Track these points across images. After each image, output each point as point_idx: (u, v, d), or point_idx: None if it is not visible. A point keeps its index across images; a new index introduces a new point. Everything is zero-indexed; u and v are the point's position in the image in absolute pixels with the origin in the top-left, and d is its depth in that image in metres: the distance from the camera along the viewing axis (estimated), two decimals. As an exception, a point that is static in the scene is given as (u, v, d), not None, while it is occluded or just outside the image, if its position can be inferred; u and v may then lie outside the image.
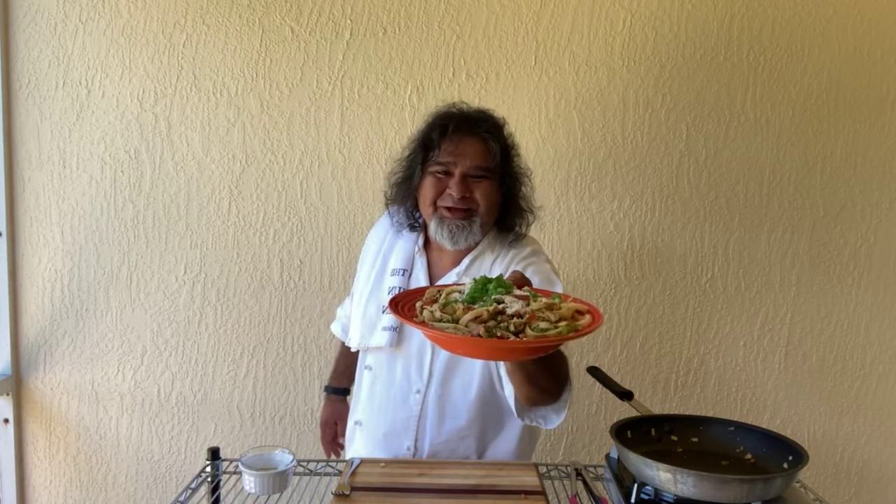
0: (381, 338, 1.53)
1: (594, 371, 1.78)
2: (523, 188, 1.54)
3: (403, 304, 1.07)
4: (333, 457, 1.86)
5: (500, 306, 0.97)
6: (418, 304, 1.05)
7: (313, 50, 2.17)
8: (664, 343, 2.28)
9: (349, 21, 2.16)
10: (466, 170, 1.43)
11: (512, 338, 0.91)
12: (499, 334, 0.92)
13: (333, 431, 1.87)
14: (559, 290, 1.43)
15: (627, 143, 2.20)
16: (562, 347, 1.29)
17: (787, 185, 2.23)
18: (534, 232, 2.20)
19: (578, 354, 2.27)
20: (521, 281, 1.12)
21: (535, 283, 1.31)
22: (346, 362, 1.83)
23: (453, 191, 1.41)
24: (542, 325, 0.94)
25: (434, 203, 1.46)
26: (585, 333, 0.95)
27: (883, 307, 2.28)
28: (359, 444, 1.63)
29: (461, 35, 2.16)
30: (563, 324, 0.95)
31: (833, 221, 2.24)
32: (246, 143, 2.21)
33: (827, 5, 2.15)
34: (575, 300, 1.06)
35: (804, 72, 2.18)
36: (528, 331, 0.92)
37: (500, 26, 2.16)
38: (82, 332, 2.29)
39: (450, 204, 1.44)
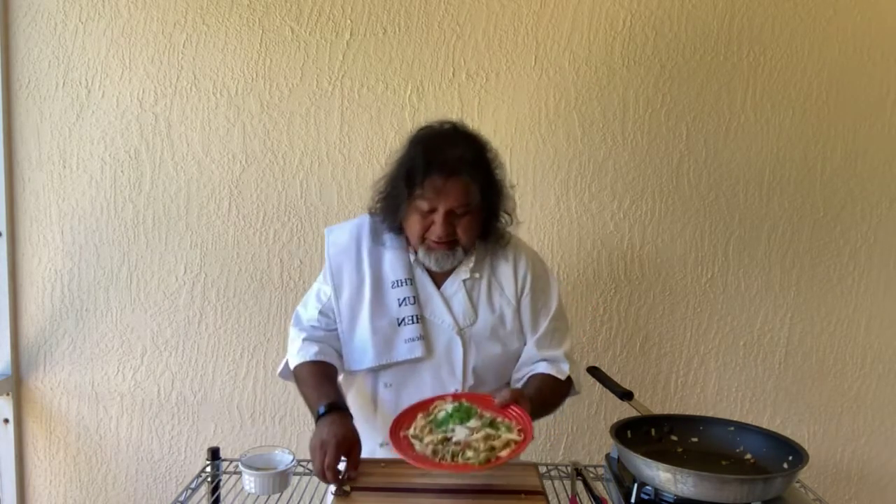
0: (408, 350, 1.54)
1: (594, 371, 1.79)
2: (504, 204, 1.59)
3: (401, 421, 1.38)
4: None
5: (450, 435, 1.29)
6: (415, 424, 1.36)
7: (313, 50, 2.17)
8: (664, 343, 2.28)
9: (349, 21, 2.16)
10: (449, 209, 1.48)
11: (448, 461, 1.24)
12: (440, 456, 1.25)
13: (346, 451, 1.39)
14: (554, 300, 1.64)
15: (627, 143, 2.20)
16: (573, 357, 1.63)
17: (787, 185, 2.23)
18: (534, 232, 2.22)
19: (579, 354, 2.26)
20: (513, 401, 1.39)
21: (535, 304, 1.61)
22: (334, 379, 1.59)
23: (438, 229, 1.48)
24: (469, 454, 1.25)
25: (421, 236, 1.52)
26: (498, 464, 1.25)
27: (883, 307, 2.28)
28: None
29: (461, 35, 2.16)
30: (483, 454, 1.26)
31: (833, 221, 2.24)
32: (246, 143, 2.21)
33: (827, 5, 2.15)
34: (523, 426, 1.34)
35: (804, 72, 2.18)
36: (460, 457, 1.24)
37: (500, 26, 2.16)
38: (82, 332, 2.29)
39: (435, 239, 1.51)
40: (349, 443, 1.37)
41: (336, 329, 1.62)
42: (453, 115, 2.17)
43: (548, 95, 2.18)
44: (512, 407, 1.39)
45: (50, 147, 2.23)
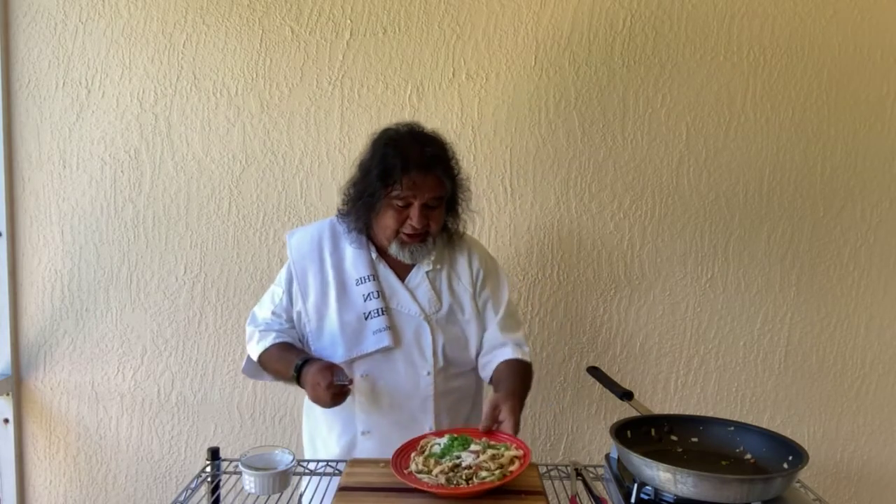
0: (376, 341, 1.64)
1: (594, 371, 1.79)
2: (464, 200, 1.71)
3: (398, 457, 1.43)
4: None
5: (458, 461, 1.36)
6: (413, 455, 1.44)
7: (313, 50, 2.17)
8: (664, 343, 2.28)
9: (349, 21, 2.16)
10: (424, 202, 1.59)
11: (463, 484, 1.31)
12: (454, 482, 1.31)
13: (331, 370, 1.56)
14: (505, 291, 1.77)
15: (627, 143, 2.20)
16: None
17: (787, 185, 2.23)
18: (534, 232, 2.22)
19: (579, 354, 2.27)
20: (499, 403, 1.50)
21: (488, 292, 1.73)
22: (298, 347, 1.70)
23: (414, 222, 1.59)
24: (484, 473, 1.33)
25: (395, 230, 1.62)
26: (513, 477, 1.33)
27: (883, 307, 2.28)
28: (368, 454, 1.64)
29: (461, 35, 2.16)
30: (498, 471, 1.33)
31: (833, 221, 2.24)
32: (246, 143, 2.21)
33: (827, 5, 2.15)
34: (517, 444, 1.43)
35: (804, 72, 2.18)
36: (475, 479, 1.32)
37: (500, 26, 2.16)
38: (82, 332, 2.29)
39: (410, 231, 1.61)
40: (328, 365, 1.56)
41: (288, 326, 1.73)
42: (453, 115, 2.18)
43: (548, 95, 2.18)
44: (499, 433, 1.50)
45: (50, 147, 2.23)
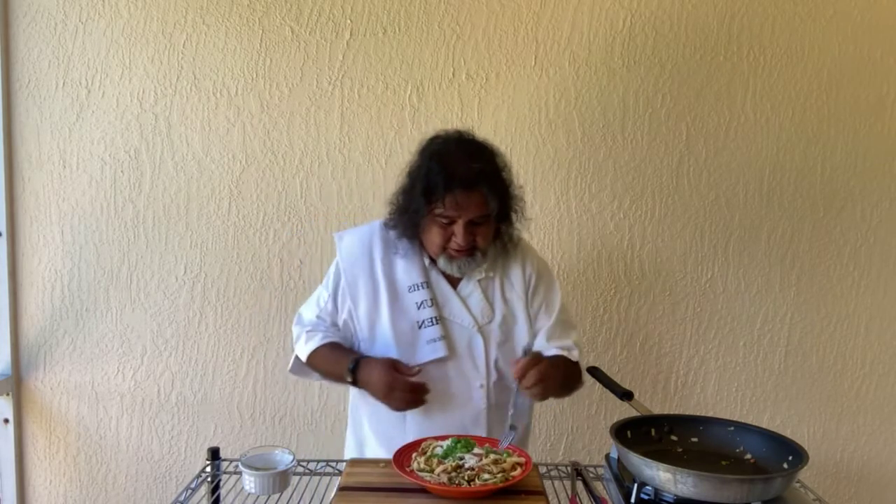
0: (431, 350, 1.60)
1: (594, 371, 1.79)
2: (515, 207, 1.63)
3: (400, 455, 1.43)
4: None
5: (461, 462, 1.37)
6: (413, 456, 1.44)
7: (313, 50, 2.17)
8: (664, 343, 2.28)
9: (349, 21, 2.16)
10: (469, 219, 1.54)
11: (465, 485, 1.32)
12: (456, 482, 1.32)
13: (396, 368, 1.54)
14: (558, 296, 1.72)
15: (627, 143, 2.20)
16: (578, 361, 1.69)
17: (787, 185, 2.23)
18: (534, 232, 2.22)
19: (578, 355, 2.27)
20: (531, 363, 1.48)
21: (541, 299, 1.69)
22: (346, 347, 1.68)
23: (459, 239, 1.54)
24: (486, 475, 1.34)
25: (442, 246, 1.58)
26: (515, 481, 1.34)
27: (883, 307, 2.28)
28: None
29: (461, 35, 2.16)
30: (500, 475, 1.34)
31: (833, 221, 2.24)
32: (246, 143, 2.21)
33: (827, 5, 2.15)
34: (519, 453, 1.44)
35: (804, 72, 2.18)
36: (477, 480, 1.33)
37: (500, 26, 2.16)
38: (82, 332, 2.29)
39: (456, 248, 1.57)
40: (392, 362, 1.53)
41: (335, 325, 1.69)
42: (453, 115, 2.18)
43: (548, 95, 2.18)
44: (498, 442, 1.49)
45: (50, 147, 2.23)
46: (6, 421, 2.32)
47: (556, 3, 2.15)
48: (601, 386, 1.74)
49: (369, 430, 1.69)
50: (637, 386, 2.25)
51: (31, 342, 2.31)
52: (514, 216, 1.63)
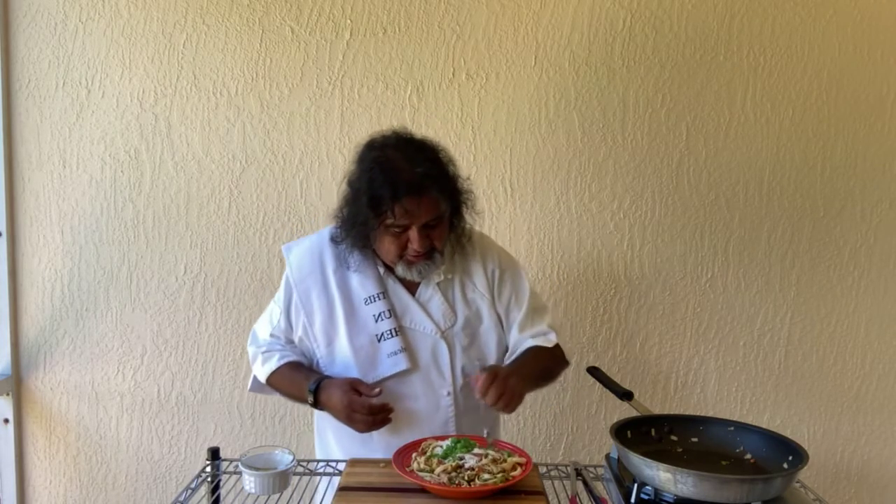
0: (392, 364, 1.55)
1: (594, 371, 1.79)
2: (467, 203, 1.58)
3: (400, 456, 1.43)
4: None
5: (461, 462, 1.37)
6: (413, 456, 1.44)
7: (313, 50, 2.17)
8: (664, 343, 2.28)
9: (349, 21, 2.16)
10: (422, 223, 1.48)
11: (465, 485, 1.31)
12: (456, 482, 1.32)
13: (356, 390, 1.49)
14: (525, 285, 1.67)
15: (627, 143, 2.20)
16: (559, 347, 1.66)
17: (787, 185, 2.23)
18: (534, 232, 2.22)
19: (579, 355, 2.27)
20: (492, 377, 1.43)
21: (509, 292, 1.64)
22: (306, 366, 1.63)
23: (415, 245, 1.48)
24: (486, 475, 1.34)
25: (398, 254, 1.52)
26: (515, 482, 1.34)
27: (883, 307, 2.28)
28: None
29: (461, 35, 2.16)
30: (500, 475, 1.34)
31: (833, 221, 2.24)
32: (246, 143, 2.21)
33: (827, 5, 2.15)
34: (520, 453, 1.44)
35: (804, 72, 2.18)
36: (477, 480, 1.33)
37: (500, 26, 2.16)
38: (82, 332, 2.29)
39: (413, 254, 1.50)
40: (351, 383, 1.48)
41: (291, 343, 1.64)
42: (453, 115, 2.18)
43: (548, 95, 2.18)
44: (499, 442, 1.51)
45: (50, 147, 2.22)
46: (6, 421, 2.32)
47: (556, 3, 2.15)
48: (601, 386, 1.74)
49: (335, 445, 1.65)
50: (637, 386, 2.25)
51: (31, 342, 2.31)
52: (464, 210, 1.57)
